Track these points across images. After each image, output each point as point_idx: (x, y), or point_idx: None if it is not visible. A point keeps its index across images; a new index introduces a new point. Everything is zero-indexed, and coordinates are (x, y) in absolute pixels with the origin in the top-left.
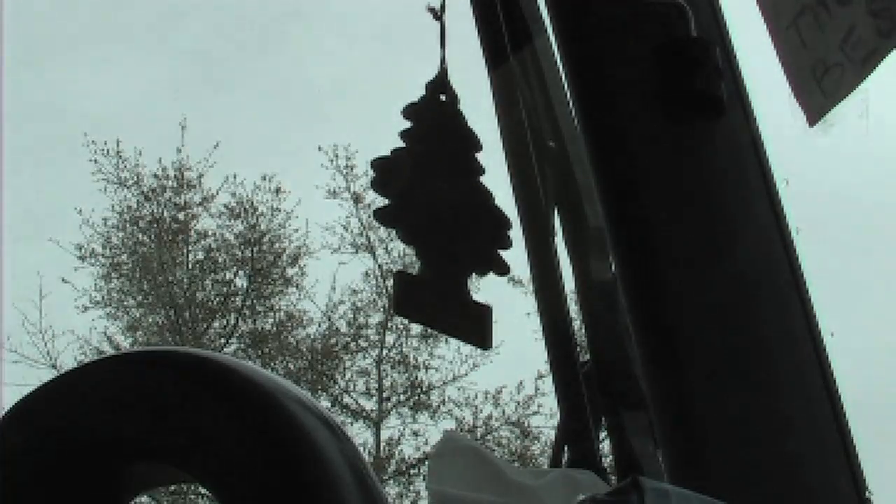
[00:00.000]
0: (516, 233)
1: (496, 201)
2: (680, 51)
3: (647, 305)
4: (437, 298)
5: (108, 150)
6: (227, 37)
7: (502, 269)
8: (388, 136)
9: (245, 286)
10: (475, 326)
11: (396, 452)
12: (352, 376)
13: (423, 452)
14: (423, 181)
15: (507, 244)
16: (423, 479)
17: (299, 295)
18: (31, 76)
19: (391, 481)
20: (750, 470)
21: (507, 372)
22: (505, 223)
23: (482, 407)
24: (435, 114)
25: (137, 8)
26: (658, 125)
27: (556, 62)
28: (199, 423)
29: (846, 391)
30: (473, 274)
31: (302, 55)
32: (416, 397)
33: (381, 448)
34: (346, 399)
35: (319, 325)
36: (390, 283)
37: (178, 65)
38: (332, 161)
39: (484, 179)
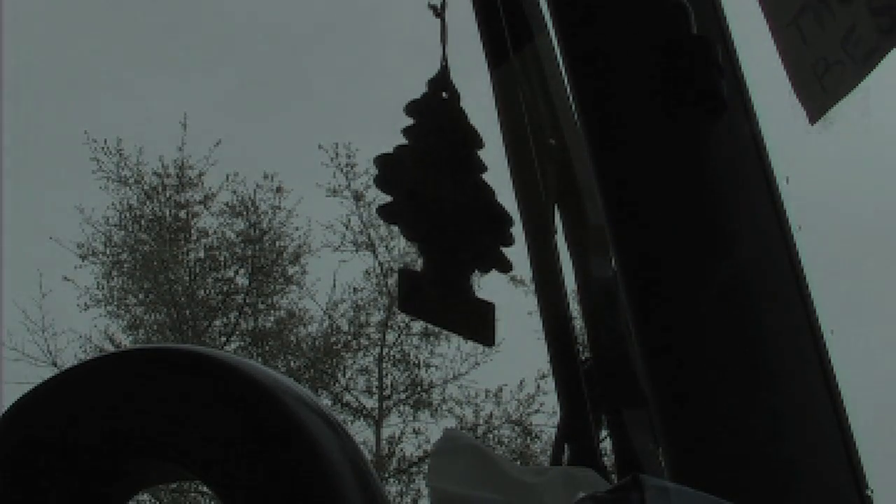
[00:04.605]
0: (517, 231)
1: (497, 198)
2: (681, 48)
3: (647, 303)
4: (440, 295)
5: (108, 149)
6: (227, 37)
7: (505, 267)
8: (387, 134)
9: (246, 284)
10: (479, 323)
11: (397, 450)
12: (353, 374)
13: (424, 450)
14: (426, 178)
15: (509, 241)
16: (424, 477)
17: (300, 293)
18: (36, 83)
19: (392, 479)
20: (750, 467)
21: (509, 370)
22: (506, 220)
23: (483, 405)
24: (437, 111)
25: (139, 14)
26: (659, 123)
27: (556, 60)
28: (200, 420)
29: (846, 389)
30: (476, 271)
31: (302, 55)
32: (417, 395)
33: (382, 446)
34: (347, 397)
35: (320, 324)
36: (391, 281)
37: (180, 65)
38: (332, 159)
39: (485, 177)
